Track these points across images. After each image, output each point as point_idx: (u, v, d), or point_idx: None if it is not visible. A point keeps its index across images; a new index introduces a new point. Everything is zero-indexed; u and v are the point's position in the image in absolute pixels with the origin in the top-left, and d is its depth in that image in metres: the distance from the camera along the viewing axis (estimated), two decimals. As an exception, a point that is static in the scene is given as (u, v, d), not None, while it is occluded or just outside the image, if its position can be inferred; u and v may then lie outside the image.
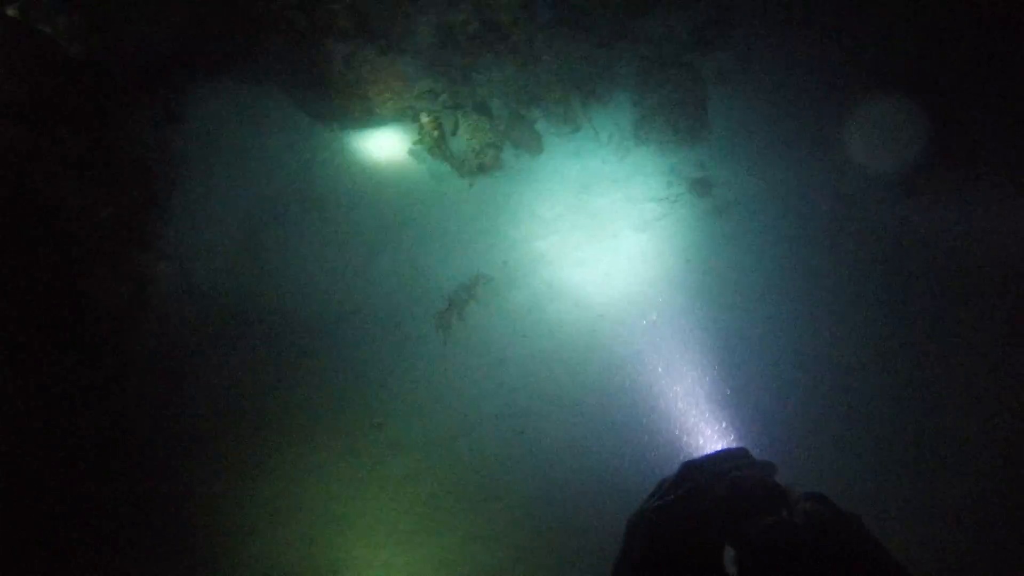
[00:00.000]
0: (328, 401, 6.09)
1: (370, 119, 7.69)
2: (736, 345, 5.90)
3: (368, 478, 5.79)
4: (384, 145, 7.55)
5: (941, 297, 5.93)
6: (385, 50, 7.46)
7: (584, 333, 6.16)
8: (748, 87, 7.46)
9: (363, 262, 6.66)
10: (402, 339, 6.28)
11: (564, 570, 5.19)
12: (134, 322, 6.52)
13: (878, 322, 5.84)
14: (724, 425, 5.40)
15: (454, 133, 6.76)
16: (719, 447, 1.20)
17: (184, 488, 5.84)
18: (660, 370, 5.85)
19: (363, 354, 6.25)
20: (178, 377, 6.28)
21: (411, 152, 7.40)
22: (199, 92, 7.86)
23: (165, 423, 6.08)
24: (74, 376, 6.17)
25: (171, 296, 6.66)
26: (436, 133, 7.08)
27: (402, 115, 7.64)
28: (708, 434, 5.34)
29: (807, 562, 0.85)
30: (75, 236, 6.51)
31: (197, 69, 7.84)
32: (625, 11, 7.93)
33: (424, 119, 7.06)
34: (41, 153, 6.40)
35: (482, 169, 7.23)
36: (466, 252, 6.68)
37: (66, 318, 6.30)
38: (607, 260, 6.53)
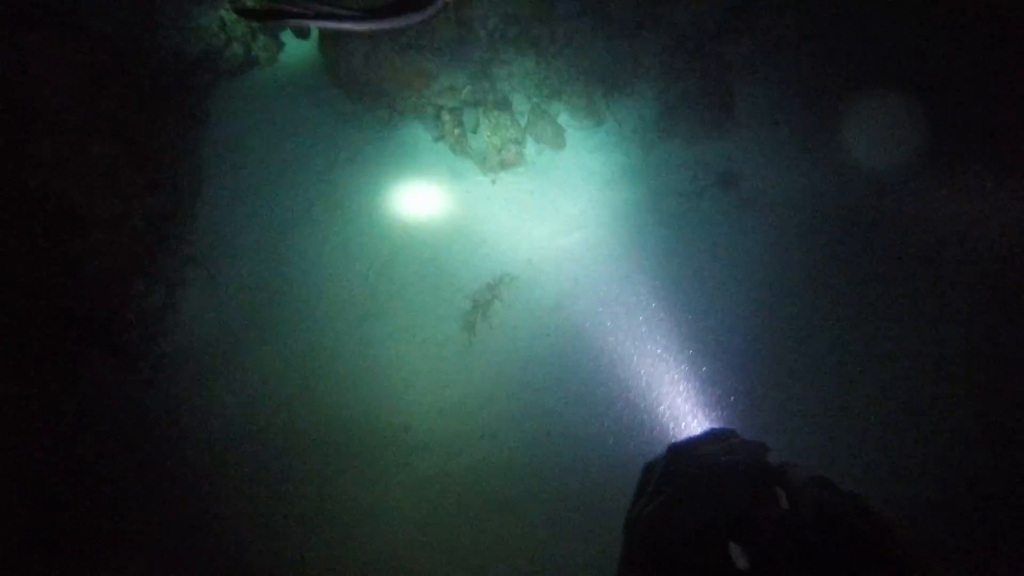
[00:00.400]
0: (354, 403, 6.12)
1: (391, 118, 7.68)
2: (766, 344, 5.77)
3: (395, 481, 5.82)
4: (406, 144, 7.53)
5: (982, 294, 5.72)
6: (405, 48, 7.41)
7: (609, 331, 6.08)
8: (776, 75, 7.25)
9: (386, 262, 6.67)
10: (426, 340, 6.28)
11: (593, 575, 5.16)
12: (165, 327, 6.63)
13: (918, 322, 5.65)
14: (754, 425, 5.29)
15: (475, 130, 6.68)
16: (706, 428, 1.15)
17: (214, 490, 5.95)
18: (690, 369, 5.75)
19: (388, 356, 6.27)
20: (207, 381, 6.38)
21: (432, 150, 7.37)
22: (225, 94, 7.93)
23: (195, 426, 6.18)
24: (109, 382, 6.31)
25: (200, 300, 6.76)
26: (457, 130, 7.03)
27: (423, 113, 7.60)
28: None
29: (822, 558, 0.83)
30: (109, 245, 6.63)
31: (220, 71, 7.92)
32: (646, 2, 7.76)
33: (445, 116, 7.01)
34: (73, 164, 6.52)
35: (504, 166, 7.16)
36: (490, 251, 6.64)
37: (100, 325, 6.44)
38: (632, 256, 6.42)
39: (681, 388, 5.67)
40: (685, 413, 5.51)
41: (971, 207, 5.94)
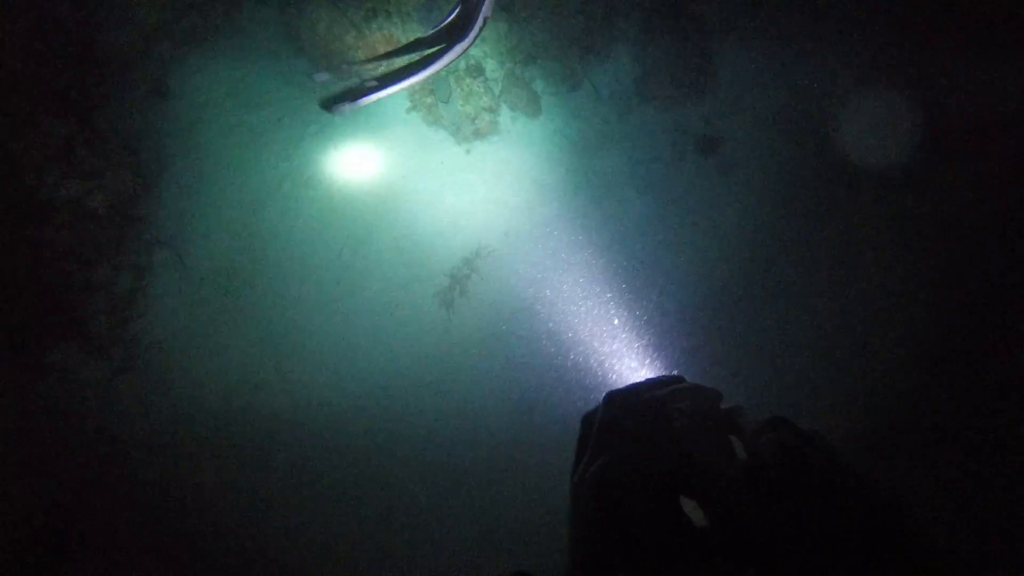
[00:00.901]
0: (331, 383, 6.01)
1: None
2: (751, 313, 5.71)
3: (375, 461, 5.76)
4: (377, 115, 7.27)
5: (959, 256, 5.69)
6: (370, 14, 7.11)
7: (590, 303, 5.98)
8: (756, 34, 7.05)
9: (361, 239, 6.49)
10: (404, 317, 6.15)
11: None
12: (135, 313, 6.43)
13: (902, 289, 5.62)
14: (739, 394, 5.26)
15: (447, 99, 6.45)
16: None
17: (190, 477, 5.85)
18: (674, 341, 5.70)
19: (365, 334, 6.14)
20: (181, 366, 6.22)
21: (405, 121, 7.13)
22: (185, 66, 7.58)
23: (169, 413, 6.05)
24: (79, 370, 6.13)
25: (169, 284, 6.55)
26: (429, 100, 6.79)
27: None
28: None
29: (786, 501, 0.77)
30: (68, 229, 6.38)
31: (182, 41, 7.55)
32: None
33: (415, 85, 6.75)
34: (24, 143, 6.22)
35: (479, 135, 6.95)
36: (467, 223, 6.48)
37: (66, 312, 6.23)
38: (612, 226, 6.30)
39: (664, 358, 5.62)
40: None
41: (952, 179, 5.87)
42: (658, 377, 1.07)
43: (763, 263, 5.83)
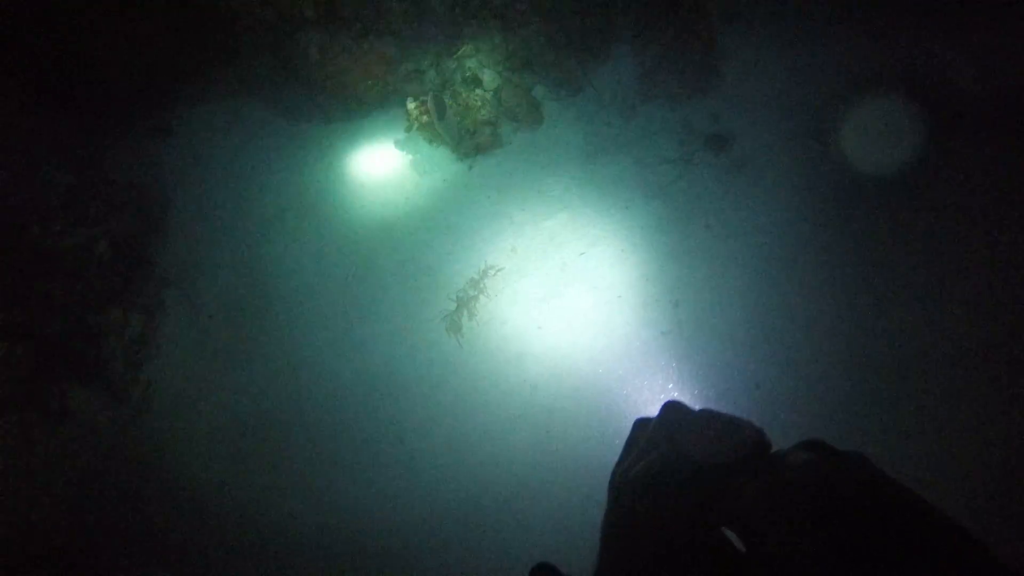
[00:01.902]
0: (346, 414, 5.90)
1: (357, 111, 7.27)
2: (772, 320, 5.43)
3: (392, 490, 5.63)
4: (376, 136, 7.14)
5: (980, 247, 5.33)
6: (362, 34, 6.97)
7: (604, 317, 5.77)
8: (762, 21, 6.73)
9: (364, 265, 6.37)
10: (415, 343, 6.01)
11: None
12: (148, 354, 6.41)
13: (938, 288, 5.28)
14: (763, 419, 5.01)
15: (442, 117, 6.28)
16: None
17: (206, 515, 5.80)
18: (690, 353, 5.45)
19: (376, 363, 6.02)
20: (196, 405, 6.18)
21: (405, 140, 6.98)
22: (184, 104, 7.56)
23: (186, 453, 6.01)
24: (95, 415, 6.13)
25: (180, 323, 6.52)
26: (425, 118, 6.62)
27: (389, 101, 7.20)
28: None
29: (817, 529, 0.71)
30: (77, 275, 6.39)
31: (180, 81, 7.52)
32: (617, -48, 7.20)
33: (410, 104, 6.60)
34: (29, 196, 6.24)
35: (480, 149, 6.77)
36: (472, 242, 6.31)
37: (80, 358, 6.23)
38: (622, 235, 6.07)
39: (682, 374, 5.38)
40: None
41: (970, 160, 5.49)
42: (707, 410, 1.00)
43: (782, 265, 5.53)
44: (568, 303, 5.88)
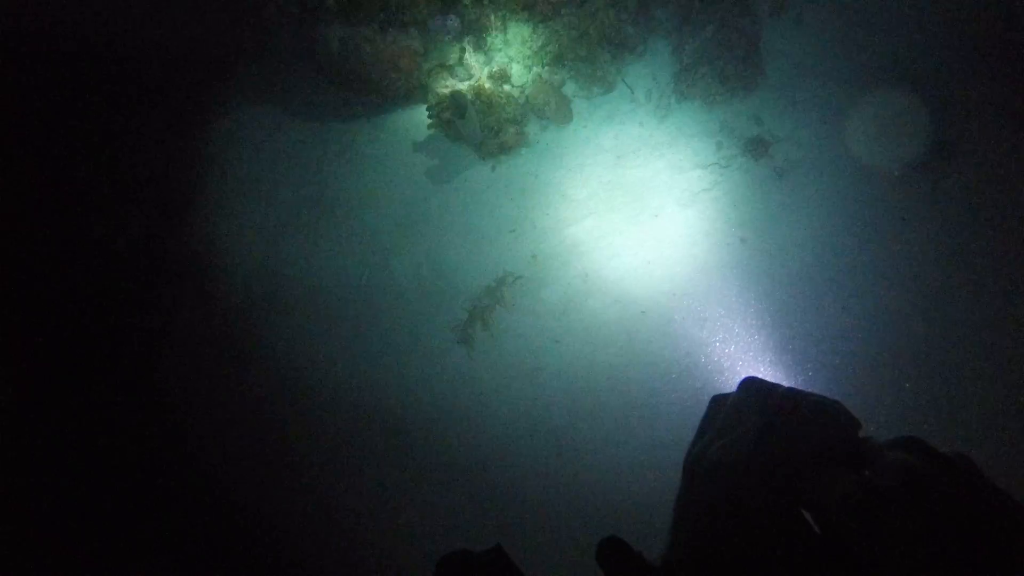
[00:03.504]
0: (350, 422, 5.72)
1: (380, 105, 7.02)
2: (813, 349, 4.98)
3: (400, 507, 5.43)
4: (398, 131, 6.88)
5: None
6: (385, 26, 6.70)
7: (625, 334, 5.41)
8: (812, 15, 6.18)
9: (379, 267, 6.15)
10: (426, 352, 5.77)
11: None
12: (164, 352, 6.35)
13: (986, 320, 4.75)
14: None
15: (462, 116, 5.97)
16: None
17: (218, 518, 5.71)
18: (714, 375, 5.05)
19: (386, 370, 5.80)
20: (207, 404, 6.09)
21: (427, 137, 6.71)
22: (208, 97, 7.44)
23: (196, 453, 5.93)
24: (110, 412, 6.10)
25: (194, 320, 6.43)
26: (447, 114, 6.32)
27: (414, 96, 6.92)
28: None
29: (907, 534, 0.68)
30: (96, 271, 6.35)
31: (204, 73, 7.40)
32: (658, -61, 6.73)
33: (431, 101, 6.31)
34: (46, 190, 6.21)
35: (504, 149, 6.44)
36: (491, 247, 6.02)
37: (97, 357, 6.21)
38: (649, 245, 5.68)
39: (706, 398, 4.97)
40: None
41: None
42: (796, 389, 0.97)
43: (824, 287, 5.07)
44: (588, 317, 5.55)
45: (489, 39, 6.78)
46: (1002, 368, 4.80)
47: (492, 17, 6.67)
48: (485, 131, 6.39)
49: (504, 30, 6.71)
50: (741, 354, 5.02)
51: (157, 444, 6.09)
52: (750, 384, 0.96)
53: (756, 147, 5.81)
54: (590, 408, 5.23)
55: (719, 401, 1.01)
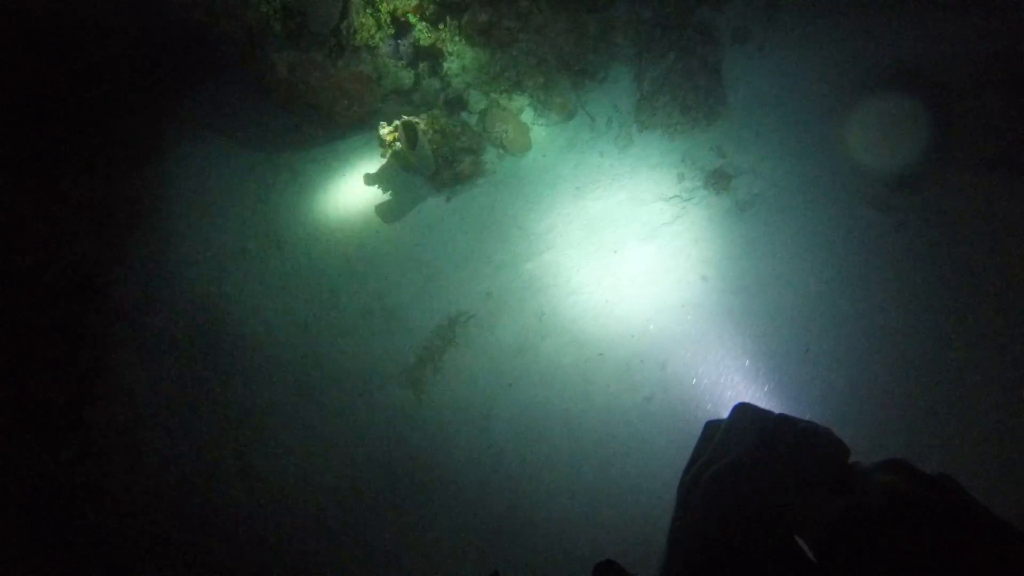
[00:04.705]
0: (295, 471, 5.36)
1: (332, 132, 6.73)
2: (772, 386, 4.75)
3: (345, 555, 5.08)
4: (350, 160, 6.60)
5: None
6: (336, 50, 6.42)
7: (582, 377, 5.14)
8: (775, 45, 6.03)
9: (327, 305, 5.82)
10: (377, 397, 5.45)
11: None
12: (92, 396, 5.95)
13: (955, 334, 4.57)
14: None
15: (412, 146, 5.70)
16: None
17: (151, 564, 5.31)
18: (674, 421, 4.79)
19: (331, 413, 5.47)
20: (138, 455, 5.69)
21: (378, 169, 6.42)
22: (154, 124, 7.09)
23: (125, 510, 5.52)
24: (28, 464, 5.68)
25: (130, 361, 6.04)
26: (399, 144, 6.04)
27: (368, 123, 6.63)
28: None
29: (894, 556, 0.69)
30: (20, 306, 5.95)
31: (150, 98, 7.05)
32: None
33: (382, 130, 6.03)
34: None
35: (459, 179, 6.18)
36: (444, 284, 5.73)
37: (16, 401, 5.79)
38: (608, 283, 5.43)
39: (667, 444, 4.72)
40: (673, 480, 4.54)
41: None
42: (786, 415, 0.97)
43: (787, 325, 4.84)
44: (544, 358, 5.27)
45: (445, 65, 6.54)
46: (966, 410, 4.61)
47: (448, 42, 6.43)
48: (439, 161, 6.12)
49: (461, 56, 6.47)
50: (702, 399, 4.77)
51: (83, 493, 5.68)
52: (743, 409, 0.98)
53: (718, 180, 5.61)
54: (544, 456, 4.93)
55: (713, 426, 1.03)
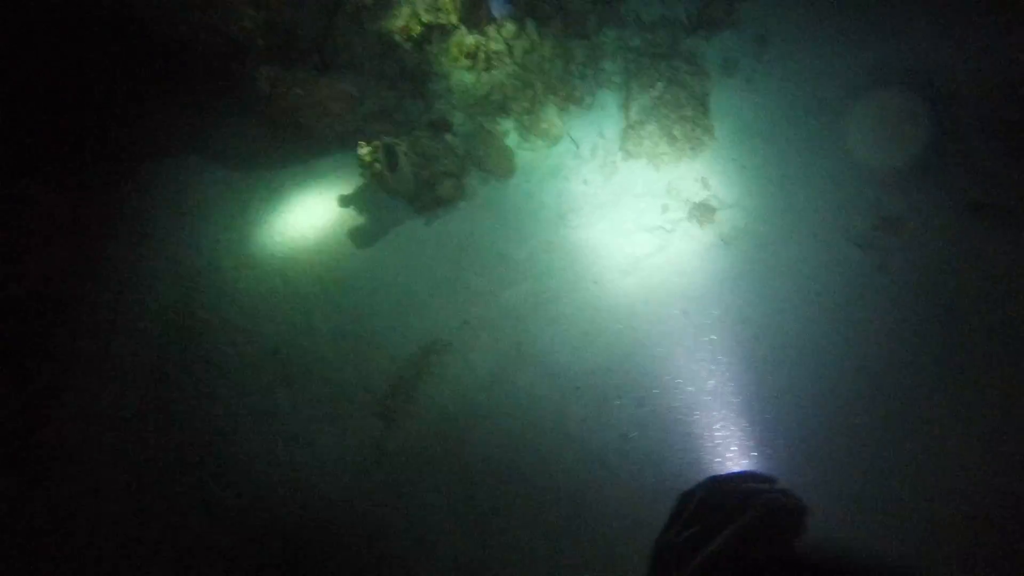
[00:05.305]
0: (258, 502, 5.16)
1: (314, 150, 6.60)
2: (753, 426, 4.63)
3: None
4: (329, 181, 6.46)
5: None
6: (320, 68, 6.31)
7: (558, 412, 4.99)
8: (763, 77, 5.99)
9: (299, 330, 5.65)
10: (344, 425, 5.27)
11: None
12: (50, 416, 5.71)
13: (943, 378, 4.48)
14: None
15: (392, 169, 5.58)
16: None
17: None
18: (652, 463, 4.65)
19: (297, 442, 5.28)
20: (98, 481, 5.46)
21: (360, 186, 6.28)
22: (128, 137, 6.92)
23: (85, 535, 5.28)
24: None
25: (91, 382, 5.82)
26: (379, 165, 5.91)
27: (347, 143, 6.49)
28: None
29: None
30: (-22, 319, 5.73)
31: (122, 111, 6.89)
32: (608, -10, 6.51)
33: (362, 151, 5.90)
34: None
35: (440, 203, 6.05)
36: (420, 311, 5.58)
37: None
38: (587, 314, 5.31)
39: (642, 486, 4.58)
40: (651, 518, 4.40)
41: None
42: (754, 472, 1.11)
43: (769, 364, 4.73)
44: (519, 391, 5.12)
45: (430, 86, 6.44)
46: (947, 453, 4.50)
47: (434, 63, 6.33)
48: (420, 184, 5.99)
49: (446, 77, 6.37)
50: (681, 438, 4.63)
51: (31, 523, 5.43)
52: (713, 483, 1.06)
53: (702, 212, 5.52)
54: (517, 494, 4.76)
55: (687, 496, 1.08)
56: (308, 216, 6.25)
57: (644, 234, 5.60)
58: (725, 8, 6.28)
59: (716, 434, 4.71)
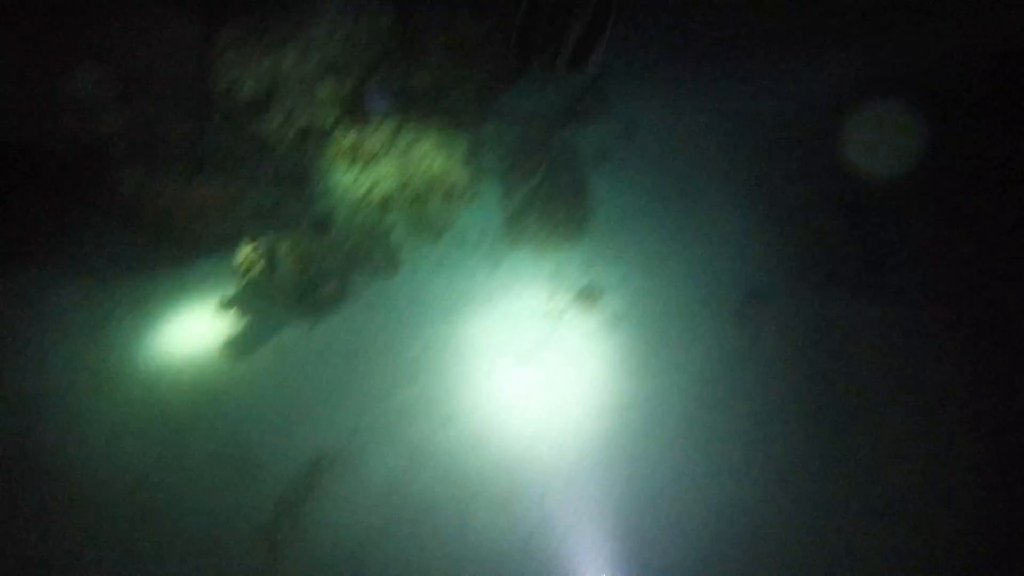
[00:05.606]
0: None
1: (186, 254, 6.21)
2: (644, 511, 4.59)
3: None
4: (202, 287, 6.07)
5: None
6: (194, 169, 6.05)
7: (460, 516, 4.75)
8: (634, 163, 6.34)
9: (173, 446, 5.12)
10: (221, 558, 4.73)
11: None
12: None
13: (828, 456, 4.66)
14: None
15: (271, 271, 5.34)
16: None
17: None
18: (559, 554, 4.48)
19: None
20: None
21: (234, 294, 5.93)
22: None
23: None
24: None
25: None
26: (258, 267, 5.64)
27: (224, 246, 6.18)
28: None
29: None
30: None
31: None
32: (485, 88, 6.76)
33: (242, 250, 5.62)
34: None
35: (323, 305, 5.82)
36: (306, 422, 5.24)
37: None
38: (483, 409, 5.17)
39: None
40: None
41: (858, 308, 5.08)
42: None
43: (661, 448, 4.76)
44: (418, 497, 4.84)
45: (311, 184, 6.32)
46: (831, 522, 4.66)
47: (314, 162, 6.24)
48: (302, 286, 5.76)
49: (327, 175, 6.28)
50: (582, 534, 4.51)
51: None
52: None
53: (588, 296, 5.64)
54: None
55: None
56: (179, 326, 5.81)
57: (534, 321, 5.62)
58: (597, 98, 6.67)
59: (616, 536, 4.64)
